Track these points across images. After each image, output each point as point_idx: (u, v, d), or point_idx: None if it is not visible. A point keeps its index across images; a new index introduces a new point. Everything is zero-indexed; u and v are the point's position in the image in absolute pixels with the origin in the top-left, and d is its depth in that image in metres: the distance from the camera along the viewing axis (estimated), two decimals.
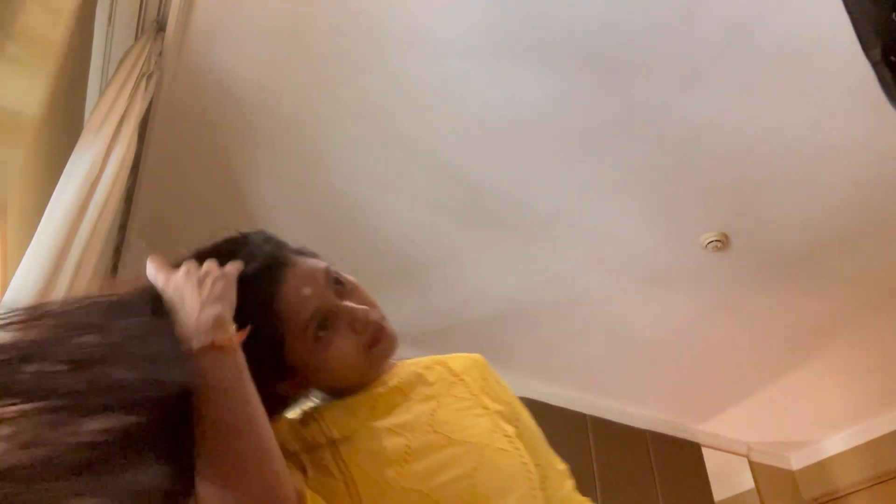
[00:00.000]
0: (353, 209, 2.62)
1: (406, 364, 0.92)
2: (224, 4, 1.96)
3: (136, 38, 2.00)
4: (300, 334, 0.79)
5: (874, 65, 0.65)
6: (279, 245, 0.86)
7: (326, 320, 0.80)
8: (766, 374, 3.63)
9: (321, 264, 0.85)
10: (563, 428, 3.55)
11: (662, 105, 2.21)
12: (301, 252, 0.89)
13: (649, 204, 2.59)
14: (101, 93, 1.80)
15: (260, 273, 0.80)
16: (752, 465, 4.21)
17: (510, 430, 0.81)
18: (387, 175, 2.48)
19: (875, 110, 2.18)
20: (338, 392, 0.86)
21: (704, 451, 4.00)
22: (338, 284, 0.84)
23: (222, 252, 0.81)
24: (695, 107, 2.21)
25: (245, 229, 0.88)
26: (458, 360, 0.93)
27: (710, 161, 2.40)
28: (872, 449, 4.04)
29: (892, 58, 0.64)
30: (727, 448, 4.17)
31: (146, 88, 1.89)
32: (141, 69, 1.86)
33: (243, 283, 0.77)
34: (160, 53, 1.99)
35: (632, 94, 2.18)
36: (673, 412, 3.95)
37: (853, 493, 4.03)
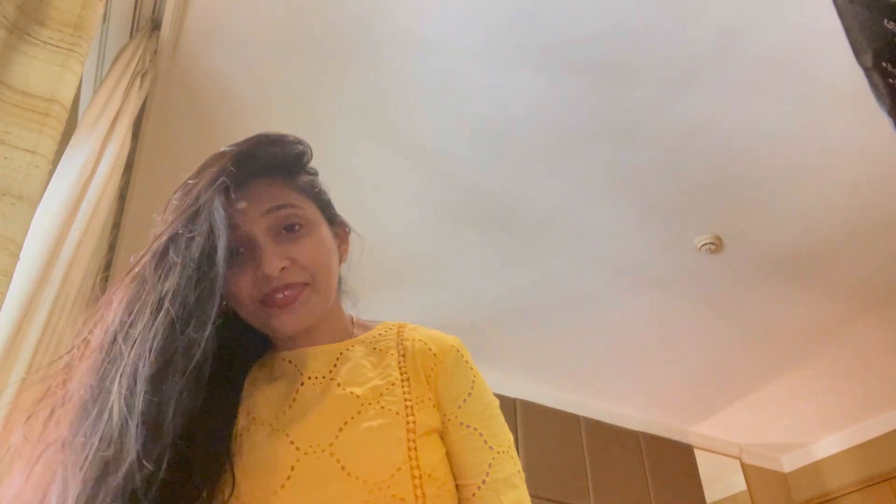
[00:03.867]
0: (347, 209, 2.60)
1: (366, 335, 0.83)
2: (219, 3, 1.95)
3: (131, 37, 1.99)
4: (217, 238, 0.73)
5: (865, 70, 0.65)
6: (282, 157, 0.80)
7: (242, 245, 0.75)
8: (759, 376, 3.64)
9: (283, 199, 0.78)
10: (557, 429, 3.55)
11: (657, 107, 2.22)
12: (309, 184, 0.82)
13: (643, 206, 2.59)
14: (95, 91, 1.80)
15: (236, 161, 0.76)
16: (745, 467, 4.22)
17: (435, 456, 0.72)
18: (382, 175, 2.48)
19: (868, 115, 2.19)
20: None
21: (697, 452, 4.01)
22: (286, 229, 0.77)
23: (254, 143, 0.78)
24: (690, 109, 2.22)
25: (299, 140, 0.84)
26: (417, 346, 0.81)
27: (704, 164, 2.41)
28: (864, 451, 4.06)
29: (884, 64, 0.64)
30: (719, 450, 4.18)
31: (140, 87, 1.88)
32: (135, 67, 1.85)
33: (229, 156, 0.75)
34: (155, 52, 1.98)
35: (627, 97, 2.18)
36: (666, 414, 3.96)
37: (845, 495, 4.04)
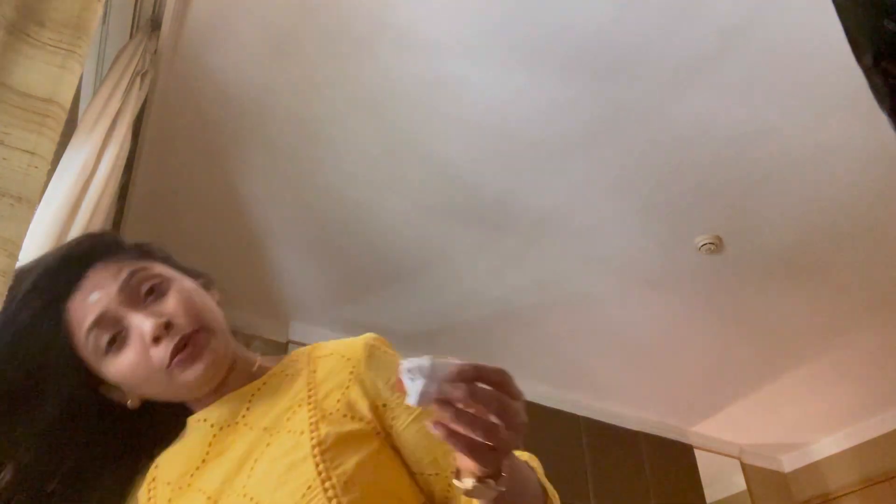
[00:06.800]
0: (348, 209, 2.61)
1: (276, 368, 0.80)
2: (219, 3, 1.95)
3: (131, 36, 1.99)
4: (84, 345, 0.70)
5: (865, 71, 0.65)
6: (103, 242, 0.78)
7: (115, 330, 0.71)
8: (759, 376, 3.64)
9: (128, 268, 0.74)
10: (557, 430, 3.55)
11: (657, 107, 2.22)
12: (141, 247, 0.79)
13: (643, 206, 2.59)
14: (96, 91, 1.80)
15: (57, 273, 0.73)
16: (744, 467, 4.22)
17: (352, 462, 0.68)
18: (382, 175, 2.48)
19: (868, 114, 2.19)
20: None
21: (697, 452, 4.01)
22: (147, 294, 0.73)
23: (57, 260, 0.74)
24: (689, 109, 2.22)
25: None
26: (330, 360, 0.78)
27: (704, 164, 2.41)
28: (864, 451, 4.06)
29: (884, 64, 0.64)
30: (719, 450, 4.18)
31: (140, 87, 1.88)
32: (135, 67, 1.85)
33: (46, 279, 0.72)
34: (155, 52, 1.98)
35: (626, 97, 2.18)
36: (666, 414, 3.96)
37: (844, 495, 4.04)
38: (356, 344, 0.79)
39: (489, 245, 2.80)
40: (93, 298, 0.71)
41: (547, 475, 0.83)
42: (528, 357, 3.48)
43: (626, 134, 2.31)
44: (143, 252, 0.79)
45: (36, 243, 1.38)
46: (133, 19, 2.00)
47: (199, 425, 0.75)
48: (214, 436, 0.73)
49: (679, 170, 2.44)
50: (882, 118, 0.66)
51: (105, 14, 1.98)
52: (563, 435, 3.55)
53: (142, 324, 0.70)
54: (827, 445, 4.24)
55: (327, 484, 0.65)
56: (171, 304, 0.72)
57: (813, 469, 4.28)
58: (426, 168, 2.45)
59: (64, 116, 0.68)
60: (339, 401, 0.73)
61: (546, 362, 3.52)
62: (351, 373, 0.75)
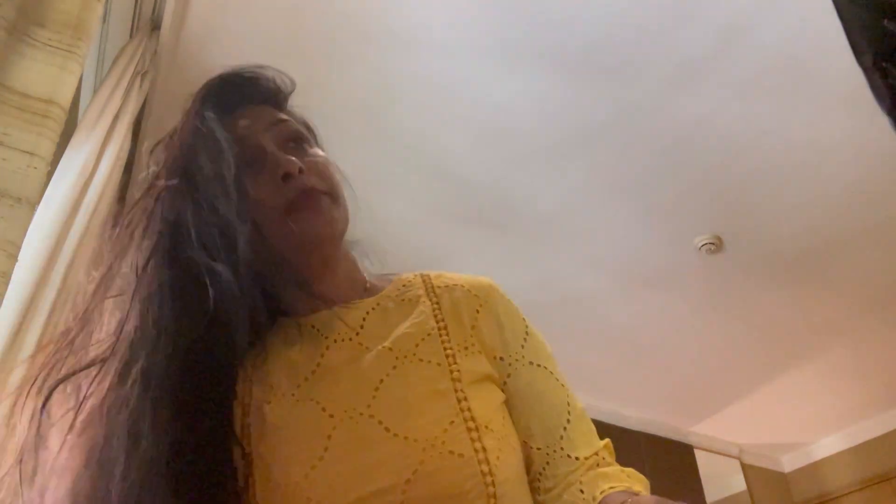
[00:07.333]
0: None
1: (390, 289, 0.76)
2: (219, 3, 1.95)
3: (131, 37, 1.99)
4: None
5: (865, 70, 0.65)
6: (270, 84, 0.82)
7: (253, 158, 0.71)
8: (759, 376, 3.64)
9: (285, 116, 0.78)
10: None
11: (658, 107, 2.22)
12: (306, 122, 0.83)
13: (644, 206, 2.59)
14: (95, 91, 1.80)
15: (231, 85, 0.77)
16: (745, 467, 4.22)
17: (489, 406, 0.65)
18: (382, 175, 2.48)
19: (869, 114, 2.19)
20: (286, 272, 0.71)
21: (697, 453, 4.01)
22: (294, 142, 0.76)
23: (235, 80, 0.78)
24: (690, 109, 2.22)
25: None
26: (455, 292, 0.75)
27: (705, 163, 2.41)
28: (864, 451, 4.06)
29: (884, 64, 0.64)
30: (719, 450, 4.18)
31: (140, 87, 1.88)
32: (136, 67, 1.85)
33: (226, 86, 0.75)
34: (155, 52, 1.98)
35: (627, 96, 2.18)
36: (666, 414, 3.96)
37: (845, 495, 4.04)
38: (481, 280, 0.78)
39: (489, 245, 2.80)
40: (243, 122, 0.74)
41: None
42: None
43: (626, 134, 2.31)
44: (301, 118, 0.84)
45: (36, 244, 1.38)
46: (133, 19, 2.00)
47: (310, 332, 0.70)
48: (328, 347, 0.68)
49: (679, 170, 2.44)
50: (882, 118, 0.66)
51: (105, 14, 1.98)
52: None
53: (279, 156, 0.71)
54: (827, 445, 4.24)
55: (471, 424, 0.62)
56: (309, 160, 0.74)
57: (813, 469, 4.28)
58: (427, 168, 2.45)
59: (64, 117, 0.68)
60: (470, 335, 0.71)
61: None
62: (479, 308, 0.74)
